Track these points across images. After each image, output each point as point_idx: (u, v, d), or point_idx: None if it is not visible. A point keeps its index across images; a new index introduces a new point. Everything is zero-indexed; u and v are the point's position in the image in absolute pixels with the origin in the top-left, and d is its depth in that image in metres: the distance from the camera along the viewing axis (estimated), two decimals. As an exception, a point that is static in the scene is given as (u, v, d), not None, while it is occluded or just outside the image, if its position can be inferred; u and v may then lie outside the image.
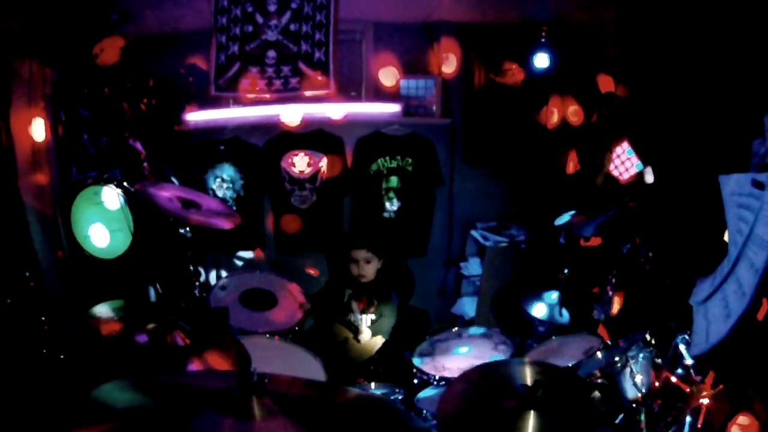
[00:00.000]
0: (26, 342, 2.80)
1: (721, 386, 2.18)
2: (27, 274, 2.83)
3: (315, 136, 4.74)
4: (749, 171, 2.30)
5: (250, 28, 3.73)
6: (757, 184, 2.09)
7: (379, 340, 3.86)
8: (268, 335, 3.67)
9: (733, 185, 2.25)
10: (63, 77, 3.19)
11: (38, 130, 3.08)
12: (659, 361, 2.60)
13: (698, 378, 2.31)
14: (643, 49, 3.43)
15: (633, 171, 3.43)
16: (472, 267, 4.94)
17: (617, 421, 2.52)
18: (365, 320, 3.92)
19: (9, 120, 2.93)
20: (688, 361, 2.39)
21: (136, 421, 1.49)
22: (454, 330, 3.55)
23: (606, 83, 3.93)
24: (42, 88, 3.06)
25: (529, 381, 2.14)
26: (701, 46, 2.89)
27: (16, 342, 2.75)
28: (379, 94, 4.74)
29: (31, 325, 2.82)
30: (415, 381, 3.37)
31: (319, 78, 3.86)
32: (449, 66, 4.70)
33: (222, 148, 4.65)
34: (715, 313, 2.18)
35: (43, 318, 2.84)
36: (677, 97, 3.11)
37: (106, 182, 3.44)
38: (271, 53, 3.81)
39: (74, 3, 3.17)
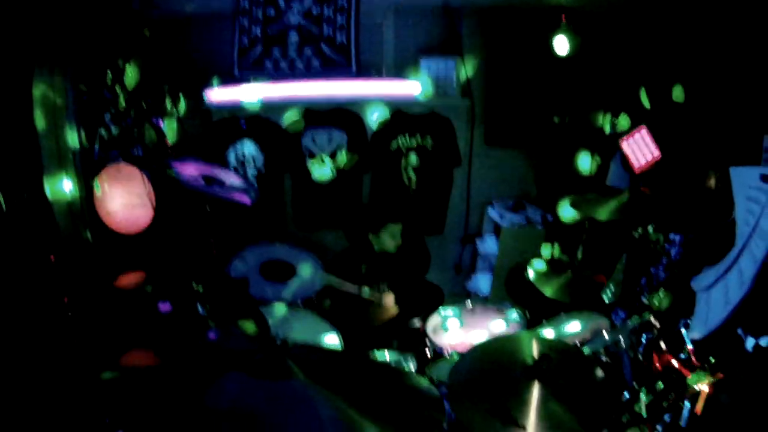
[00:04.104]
0: (47, 315, 2.91)
1: (720, 375, 2.24)
2: (49, 249, 2.92)
3: (336, 114, 4.79)
4: (760, 165, 2.34)
5: (273, 12, 3.78)
6: (766, 179, 2.13)
7: (394, 309, 3.97)
8: (286, 304, 3.81)
9: (744, 178, 2.28)
10: (85, 58, 3.25)
11: (60, 109, 3.14)
12: (662, 344, 2.68)
13: (698, 364, 2.38)
14: (660, 39, 3.43)
15: (649, 157, 3.46)
16: (488, 245, 5.01)
17: (619, 400, 2.60)
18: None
19: (31, 93, 2.98)
20: (690, 347, 2.46)
21: (163, 381, 1.63)
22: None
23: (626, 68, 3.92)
24: (63, 68, 3.12)
25: (535, 354, 2.25)
26: (721, 39, 2.89)
27: (36, 317, 2.86)
28: (400, 73, 4.76)
29: (52, 298, 2.93)
30: (428, 353, 3.49)
31: (341, 60, 3.91)
32: (469, 47, 4.70)
33: (243, 125, 4.71)
34: (716, 300, 2.25)
35: (64, 292, 2.94)
36: (695, 87, 3.12)
37: (129, 160, 3.54)
38: (294, 36, 3.88)
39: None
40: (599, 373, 2.32)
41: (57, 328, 2.91)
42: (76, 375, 2.71)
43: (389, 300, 3.88)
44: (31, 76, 2.93)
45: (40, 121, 3.01)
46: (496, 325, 3.56)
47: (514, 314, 3.60)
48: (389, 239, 4.00)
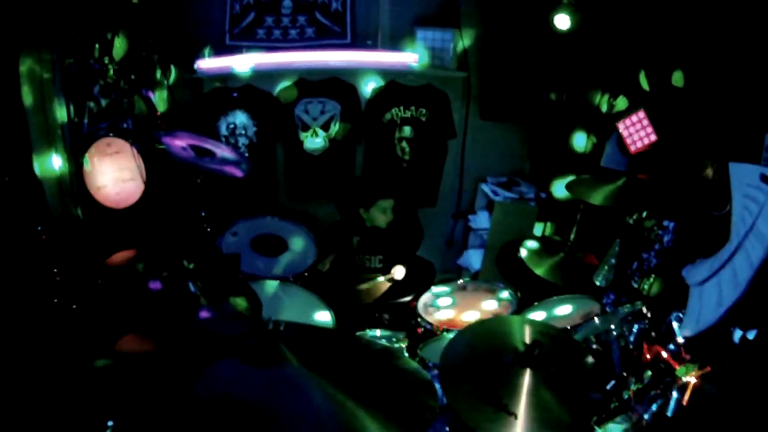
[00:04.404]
0: (39, 293, 2.89)
1: (708, 368, 2.26)
2: (39, 227, 2.88)
3: (329, 84, 4.70)
4: (761, 164, 2.31)
5: (267, -23, 3.66)
6: (765, 179, 2.10)
7: (385, 284, 3.98)
8: (278, 280, 3.80)
9: (743, 175, 2.25)
10: (72, 30, 3.16)
11: (48, 83, 3.09)
12: (653, 334, 2.69)
13: (688, 356, 2.40)
14: (663, 21, 3.36)
15: (646, 141, 3.42)
16: (481, 220, 5.01)
17: (608, 387, 2.63)
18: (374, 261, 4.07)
19: (17, 68, 2.92)
20: (680, 339, 2.47)
21: (154, 367, 1.61)
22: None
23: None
24: (50, 41, 3.03)
25: (528, 340, 2.25)
26: (727, 29, 2.83)
27: (28, 293, 2.83)
28: (396, 44, 4.68)
29: (44, 276, 2.90)
30: (420, 330, 3.50)
31: (336, 28, 3.81)
32: (468, 18, 4.61)
33: (235, 95, 4.61)
34: (708, 298, 2.24)
35: (56, 270, 2.92)
36: (696, 73, 3.07)
37: (119, 133, 3.47)
38: (287, 3, 3.78)
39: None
40: (590, 360, 2.34)
41: (48, 310, 2.89)
42: (69, 360, 2.70)
43: (400, 273, 3.88)
44: (18, 50, 2.84)
45: (27, 97, 2.92)
46: (487, 305, 3.57)
47: (505, 294, 3.60)
48: (380, 215, 3.98)
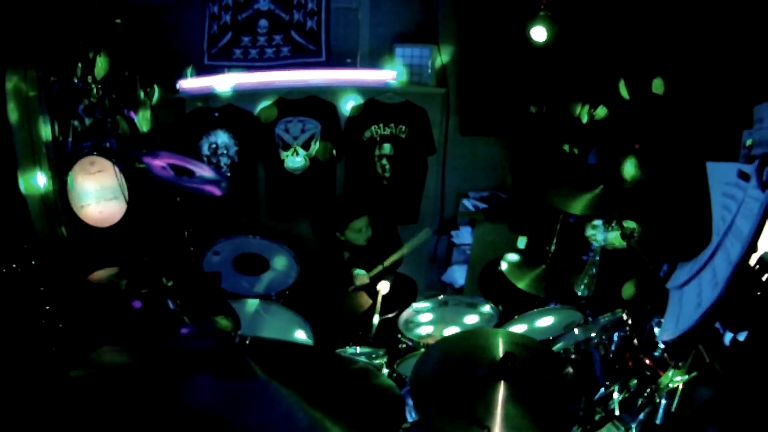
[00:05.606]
0: (25, 312, 2.84)
1: (695, 373, 2.22)
2: (25, 246, 2.85)
3: (309, 103, 4.71)
4: (738, 161, 2.31)
5: (243, -3, 3.69)
6: (743, 175, 2.08)
7: (368, 300, 3.93)
8: (259, 299, 3.76)
9: (721, 173, 2.25)
10: (57, 48, 3.16)
11: (33, 101, 3.08)
12: (635, 341, 2.66)
13: (672, 362, 2.36)
14: (640, 30, 3.40)
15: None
16: (463, 236, 4.99)
17: (594, 398, 2.59)
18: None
19: (3, 86, 2.90)
20: (663, 345, 2.44)
21: (128, 382, 1.57)
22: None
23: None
24: (36, 59, 3.03)
25: (502, 352, 2.21)
26: (704, 32, 2.86)
27: (15, 312, 2.79)
28: (375, 61, 4.71)
29: (30, 293, 2.86)
30: (401, 347, 3.46)
31: (311, 47, 3.84)
32: (446, 35, 4.64)
33: (216, 114, 4.61)
34: (688, 300, 2.22)
35: (42, 287, 2.88)
36: (676, 79, 3.10)
37: (102, 152, 3.45)
38: (263, 22, 3.81)
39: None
40: (568, 371, 2.29)
41: (32, 325, 2.84)
42: (47, 372, 2.65)
43: (385, 288, 3.85)
44: (4, 68, 2.82)
45: (13, 114, 2.91)
46: (469, 319, 3.53)
47: (486, 308, 3.56)
48: (356, 235, 3.97)
